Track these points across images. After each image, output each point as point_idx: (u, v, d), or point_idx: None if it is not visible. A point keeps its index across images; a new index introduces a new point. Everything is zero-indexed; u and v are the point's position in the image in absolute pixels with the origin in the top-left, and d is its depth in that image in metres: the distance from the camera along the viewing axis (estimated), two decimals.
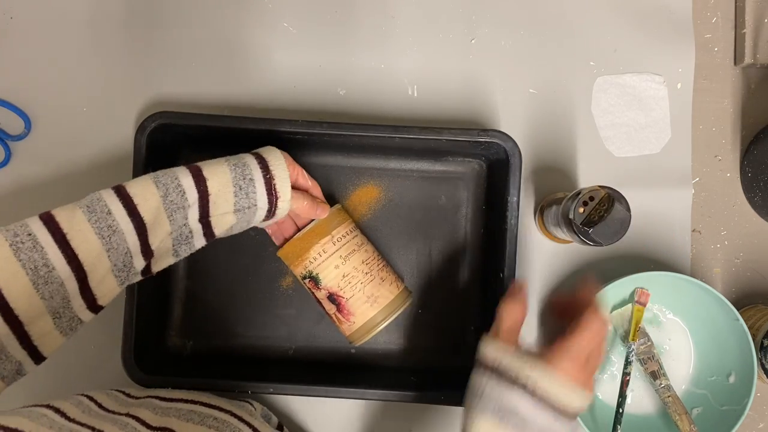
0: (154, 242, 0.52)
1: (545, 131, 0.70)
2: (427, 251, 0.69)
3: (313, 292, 0.63)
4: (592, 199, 0.58)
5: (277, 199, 0.56)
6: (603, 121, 0.71)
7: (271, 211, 0.57)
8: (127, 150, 0.68)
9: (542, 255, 0.70)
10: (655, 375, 0.66)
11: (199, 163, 0.54)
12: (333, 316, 0.63)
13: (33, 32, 0.70)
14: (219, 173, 0.54)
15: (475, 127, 0.66)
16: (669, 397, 0.65)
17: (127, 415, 0.48)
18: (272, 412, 0.69)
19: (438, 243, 0.69)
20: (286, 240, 0.63)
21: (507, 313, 0.52)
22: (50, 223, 0.48)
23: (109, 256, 0.50)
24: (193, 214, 0.53)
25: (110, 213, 0.50)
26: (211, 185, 0.53)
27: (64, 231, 0.48)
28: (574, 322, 0.50)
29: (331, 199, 0.68)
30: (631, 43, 0.71)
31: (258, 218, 0.57)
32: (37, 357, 0.49)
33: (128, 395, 0.55)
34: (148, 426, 0.47)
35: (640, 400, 0.68)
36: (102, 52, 0.70)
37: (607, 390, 0.68)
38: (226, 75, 0.70)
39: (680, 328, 0.68)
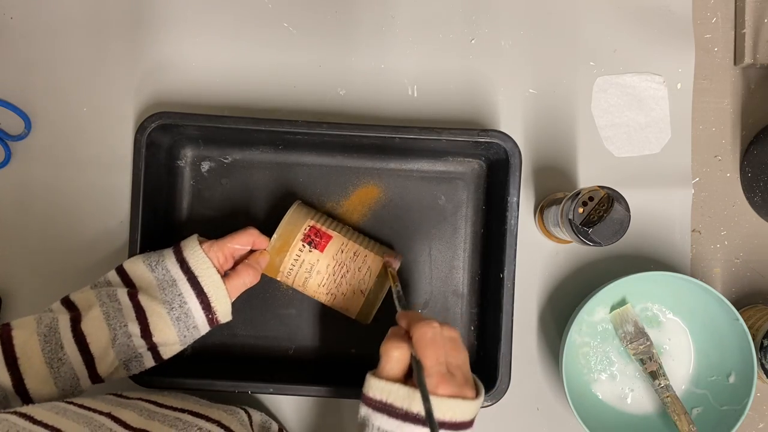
0: (102, 371, 0.54)
1: (545, 131, 0.70)
2: (427, 251, 0.69)
3: None
4: (591, 199, 0.58)
5: (217, 323, 0.60)
6: (603, 121, 0.71)
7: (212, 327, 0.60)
8: (127, 150, 0.68)
9: (542, 255, 0.70)
10: (655, 375, 0.66)
11: (145, 305, 0.56)
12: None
13: (33, 32, 0.70)
14: (164, 329, 0.56)
15: (475, 127, 0.66)
16: (668, 397, 0.65)
17: (108, 414, 0.48)
18: (273, 412, 0.69)
19: (438, 243, 0.69)
20: None
21: (389, 352, 0.48)
22: (7, 343, 0.51)
23: (55, 382, 0.52)
24: (144, 349, 0.56)
25: (62, 347, 0.52)
26: (158, 339, 0.56)
27: (17, 355, 0.51)
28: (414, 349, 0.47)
29: (322, 198, 0.68)
30: (631, 43, 0.71)
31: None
32: None
33: (120, 396, 0.55)
34: (127, 426, 0.47)
35: (640, 399, 0.68)
36: (102, 52, 0.70)
37: (606, 390, 0.68)
38: (226, 75, 0.70)
39: (680, 328, 0.68)
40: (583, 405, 0.64)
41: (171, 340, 0.57)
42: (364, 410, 0.49)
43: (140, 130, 0.63)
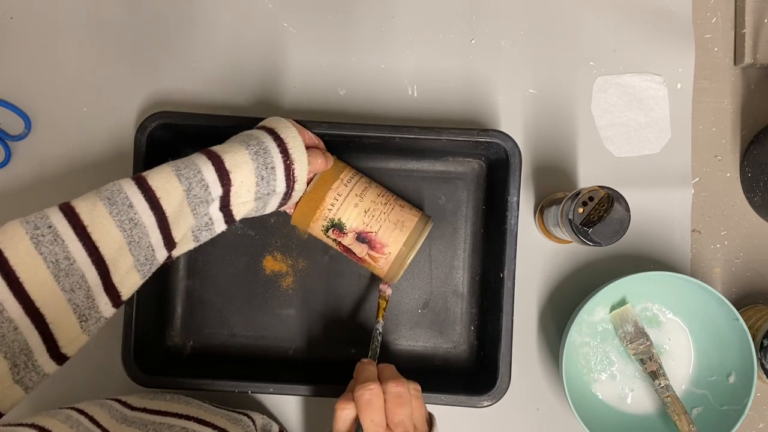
0: (177, 235, 0.51)
1: (545, 131, 0.70)
2: (427, 251, 0.69)
3: (340, 242, 0.63)
4: (591, 199, 0.58)
5: (294, 182, 0.56)
6: (603, 121, 0.71)
7: (287, 195, 0.57)
8: (127, 150, 0.68)
9: (542, 255, 0.70)
10: (655, 375, 0.66)
11: (219, 150, 0.53)
12: (367, 257, 0.63)
13: (33, 32, 0.70)
14: (241, 165, 0.53)
15: (475, 127, 0.66)
16: (668, 397, 0.65)
17: None
18: (272, 412, 0.69)
19: (438, 243, 0.69)
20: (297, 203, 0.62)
21: (337, 412, 0.51)
22: (71, 215, 0.47)
23: (131, 250, 0.49)
24: (215, 204, 0.53)
25: (132, 206, 0.48)
26: (234, 178, 0.52)
27: (85, 223, 0.47)
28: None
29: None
30: (631, 43, 0.71)
31: (274, 203, 0.57)
32: (61, 358, 0.48)
33: (124, 404, 0.55)
34: None
35: (640, 399, 0.68)
36: (102, 52, 0.70)
37: (606, 390, 0.68)
38: (226, 75, 0.70)
39: (680, 328, 0.68)
40: (583, 405, 0.64)
41: (248, 179, 0.53)
42: None
43: (140, 129, 0.63)
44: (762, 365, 0.64)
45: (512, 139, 0.63)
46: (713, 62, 0.72)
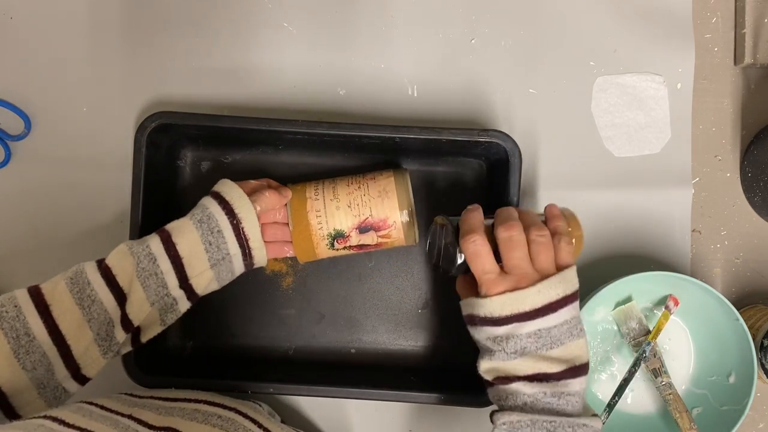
0: (131, 311, 0.54)
1: (545, 131, 0.70)
2: (426, 251, 0.69)
3: (350, 246, 0.62)
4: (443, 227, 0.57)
5: (247, 240, 0.58)
6: (603, 121, 0.71)
7: (246, 255, 0.59)
8: (127, 150, 0.68)
9: None
10: (657, 372, 0.66)
11: (167, 226, 0.57)
12: (380, 240, 0.62)
13: (33, 32, 0.70)
14: (186, 233, 0.56)
15: (475, 127, 0.66)
16: (670, 394, 0.65)
17: (129, 416, 0.48)
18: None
19: None
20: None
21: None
22: (36, 295, 0.52)
23: (90, 326, 0.52)
24: (172, 281, 0.55)
25: (89, 283, 0.53)
26: (181, 248, 0.55)
27: (47, 302, 0.52)
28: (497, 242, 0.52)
29: None
30: (631, 43, 0.71)
31: (238, 266, 0.59)
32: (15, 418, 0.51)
33: (132, 395, 0.55)
34: (149, 426, 0.47)
35: (641, 398, 0.68)
36: (102, 52, 0.70)
37: (606, 390, 0.68)
38: (226, 75, 0.70)
39: (680, 328, 0.68)
40: None
41: (196, 247, 0.56)
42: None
43: (140, 129, 0.63)
44: (762, 365, 0.64)
45: (512, 139, 0.63)
46: (713, 62, 0.72)
